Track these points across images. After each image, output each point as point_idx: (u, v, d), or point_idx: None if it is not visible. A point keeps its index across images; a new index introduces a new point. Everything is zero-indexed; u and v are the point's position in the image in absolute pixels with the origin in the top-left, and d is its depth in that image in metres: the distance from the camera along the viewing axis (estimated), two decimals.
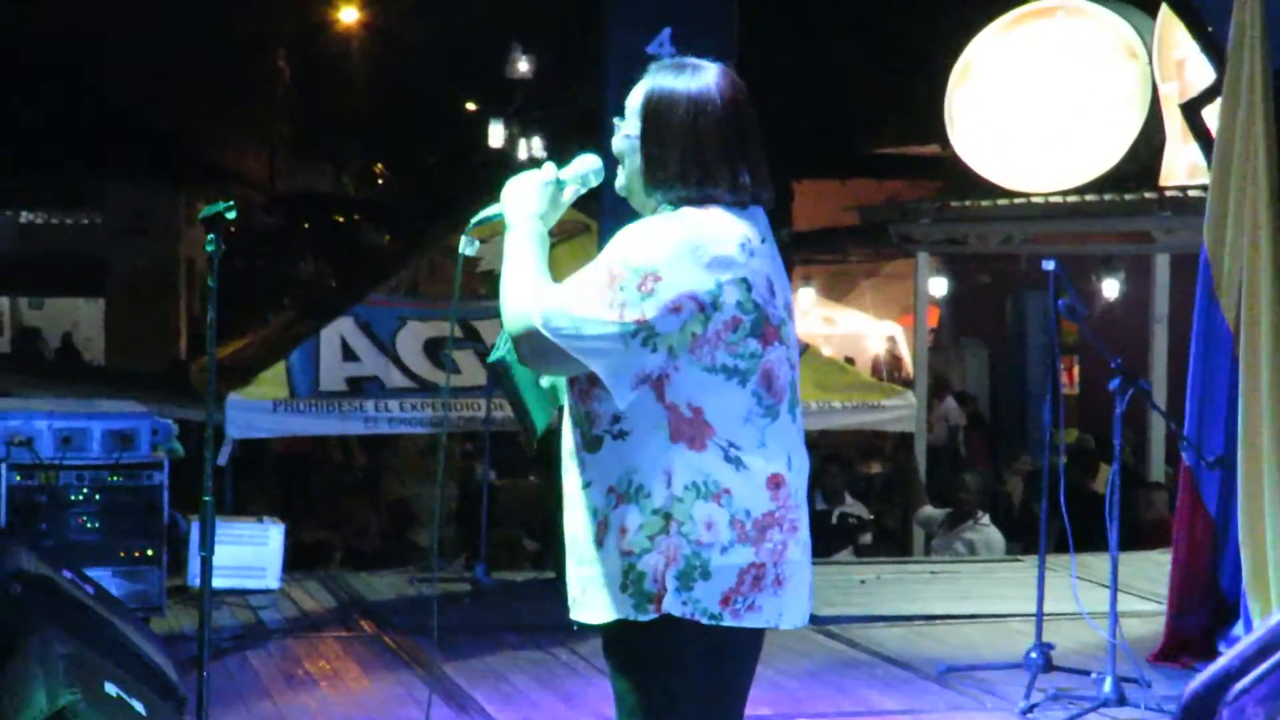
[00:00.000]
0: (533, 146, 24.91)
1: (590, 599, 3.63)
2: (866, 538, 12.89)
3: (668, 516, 3.53)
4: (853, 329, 23.12)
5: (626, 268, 3.51)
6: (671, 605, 3.51)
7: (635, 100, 3.69)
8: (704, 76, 3.67)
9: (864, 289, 23.24)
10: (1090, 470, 13.89)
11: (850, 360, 20.06)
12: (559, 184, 3.80)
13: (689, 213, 3.61)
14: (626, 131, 3.70)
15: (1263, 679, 2.18)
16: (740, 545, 3.53)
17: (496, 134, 24.54)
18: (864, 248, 19.64)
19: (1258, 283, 7.67)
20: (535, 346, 3.53)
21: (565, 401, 3.73)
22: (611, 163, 3.78)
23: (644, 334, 3.49)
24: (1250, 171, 7.73)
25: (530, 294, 3.56)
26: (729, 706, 3.69)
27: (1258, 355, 7.61)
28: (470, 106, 25.76)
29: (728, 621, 3.53)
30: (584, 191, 3.84)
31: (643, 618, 3.54)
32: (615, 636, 3.63)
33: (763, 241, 3.63)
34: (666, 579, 3.51)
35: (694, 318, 3.51)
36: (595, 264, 3.56)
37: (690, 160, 3.63)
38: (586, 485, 3.64)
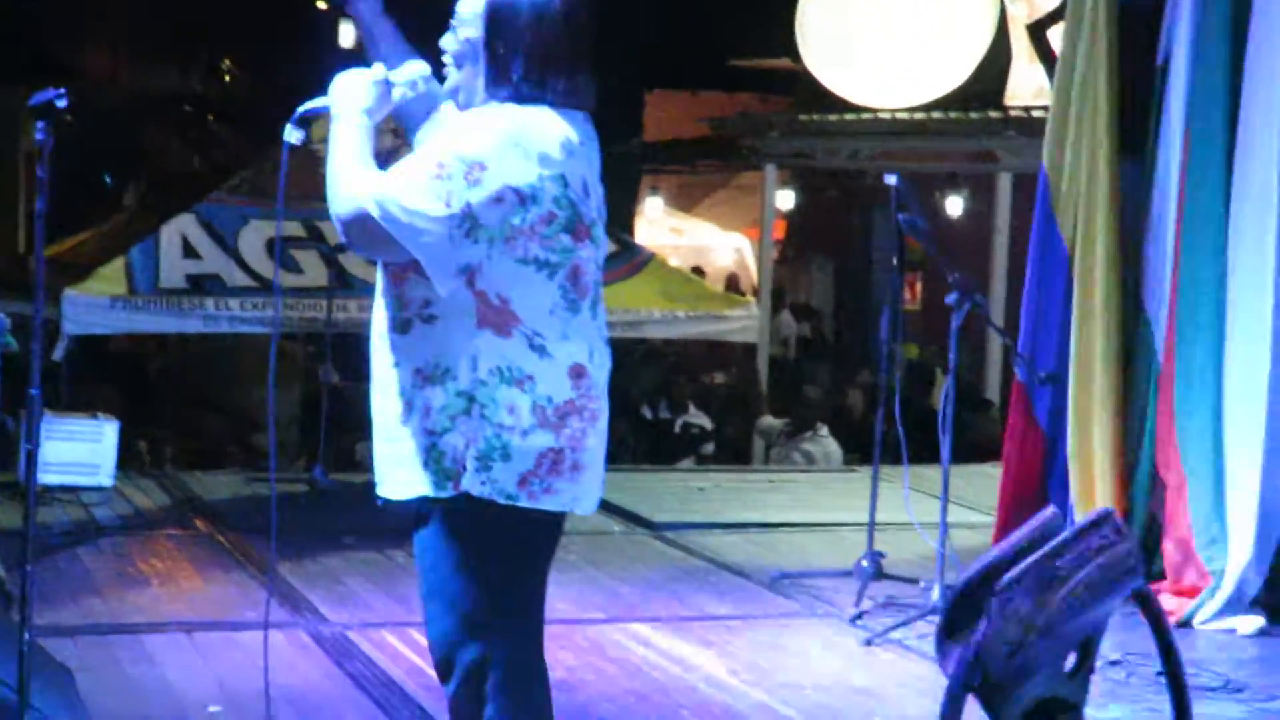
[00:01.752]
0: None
1: (394, 476, 3.77)
2: (709, 447, 13.00)
3: (471, 399, 3.66)
4: (700, 240, 23.20)
5: (454, 158, 3.61)
6: (470, 484, 3.66)
7: (474, 5, 3.79)
8: None
9: (712, 200, 23.31)
10: (929, 385, 14.10)
11: (698, 271, 20.15)
12: (388, 84, 3.86)
13: (517, 109, 3.72)
14: (465, 35, 3.79)
15: (1031, 569, 2.26)
16: (540, 430, 3.68)
17: (347, 34, 24.19)
18: (713, 159, 19.70)
19: (1095, 202, 7.78)
20: (365, 232, 3.63)
21: (377, 284, 3.82)
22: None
23: (468, 224, 3.60)
24: (1091, 95, 7.81)
25: (361, 181, 3.65)
26: (525, 588, 3.84)
27: (1092, 274, 7.73)
28: (321, 5, 25.40)
29: (523, 502, 3.69)
30: (411, 95, 3.91)
31: (441, 494, 3.69)
32: (417, 514, 3.76)
33: (582, 144, 3.75)
34: (466, 458, 3.65)
35: (514, 209, 3.63)
36: (424, 153, 3.69)
37: (530, 63, 3.74)
38: (395, 365, 3.75)
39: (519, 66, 3.73)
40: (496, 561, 3.74)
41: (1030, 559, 2.50)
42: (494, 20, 3.75)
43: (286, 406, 14.04)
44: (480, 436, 3.65)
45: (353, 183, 3.65)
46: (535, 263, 3.67)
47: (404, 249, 3.61)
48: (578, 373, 3.75)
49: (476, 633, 3.74)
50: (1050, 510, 2.44)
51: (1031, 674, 2.50)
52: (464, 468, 3.65)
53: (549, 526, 3.80)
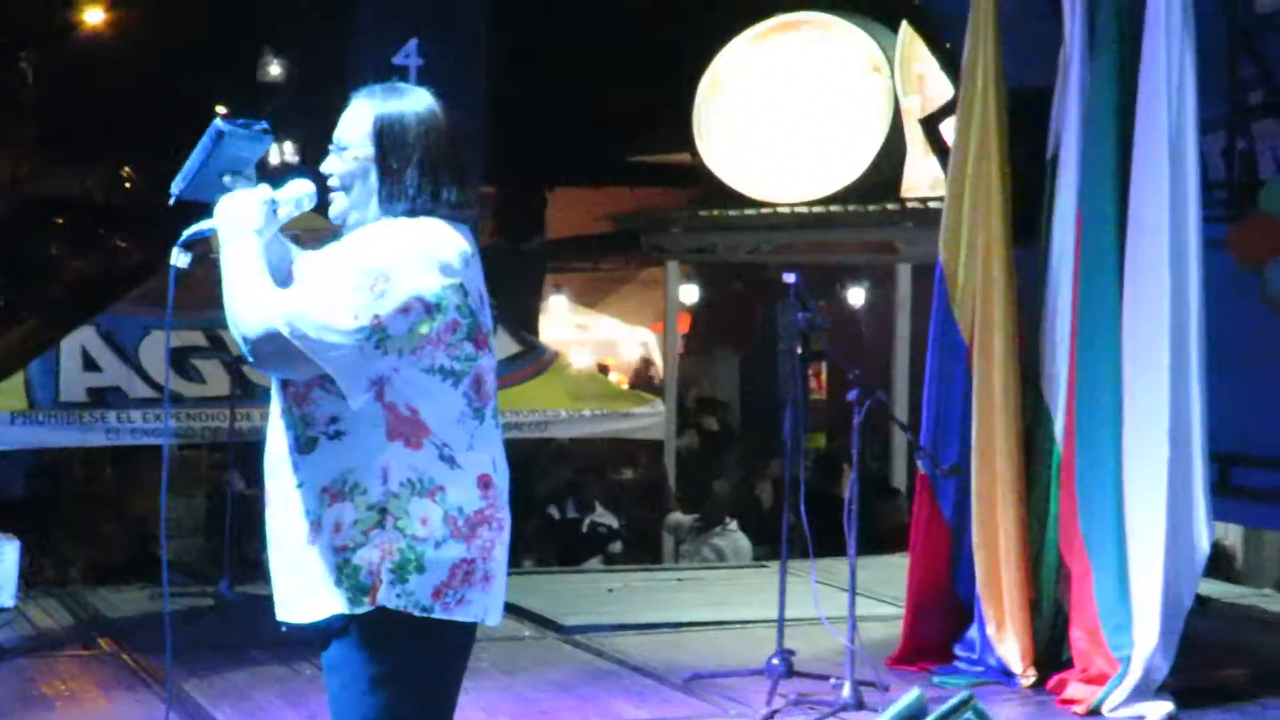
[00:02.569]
0: (285, 151, 24.61)
1: (302, 598, 3.74)
2: (616, 546, 12.95)
3: (383, 512, 3.66)
4: (606, 335, 23.24)
5: (359, 271, 3.63)
6: (386, 598, 3.65)
7: (361, 126, 3.82)
8: (423, 98, 3.87)
9: (617, 296, 23.36)
10: (836, 475, 14.12)
11: (604, 367, 20.17)
12: (274, 204, 3.87)
13: (413, 222, 3.75)
14: (354, 155, 3.81)
15: None
16: (453, 541, 3.70)
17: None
18: (617, 255, 19.77)
19: (991, 293, 7.87)
20: (276, 350, 3.63)
21: (274, 406, 3.81)
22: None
23: (378, 336, 3.61)
24: (984, 186, 7.92)
25: (267, 300, 3.65)
26: (440, 700, 3.83)
27: (991, 366, 7.81)
28: (221, 110, 25.40)
29: (439, 614, 3.69)
30: (296, 214, 3.93)
31: (357, 610, 3.67)
32: (327, 632, 3.73)
33: (473, 254, 3.81)
34: (381, 572, 3.65)
35: (421, 319, 3.66)
36: (329, 269, 3.69)
37: (423, 177, 3.78)
38: (299, 486, 3.73)
39: (414, 182, 3.76)
40: (412, 675, 3.73)
41: None
42: (384, 138, 3.79)
43: (192, 516, 13.92)
44: (395, 549, 3.65)
45: (259, 302, 3.65)
46: (441, 371, 3.69)
47: (315, 365, 3.61)
48: (485, 482, 3.76)
49: None
50: (915, 693, 2.44)
51: None
52: (379, 581, 3.64)
53: (462, 637, 3.81)
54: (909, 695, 2.91)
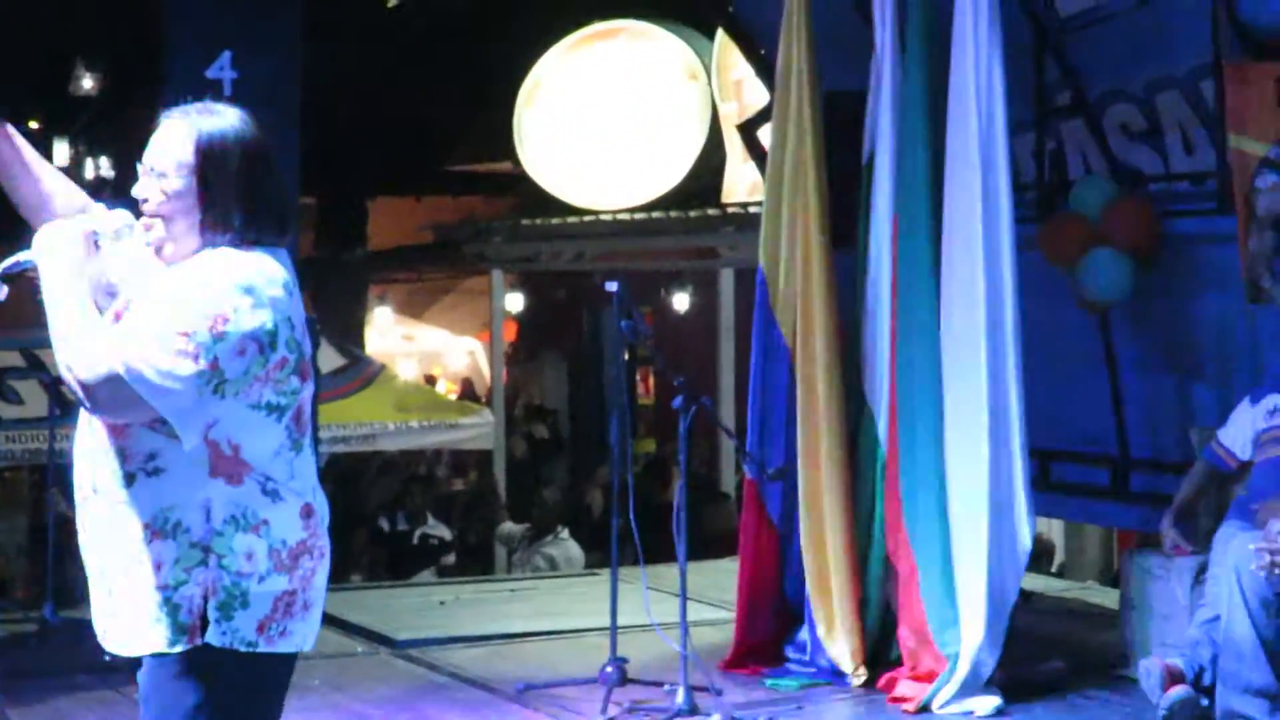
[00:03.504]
0: (100, 166, 24.22)
1: (120, 631, 3.66)
2: (449, 558, 12.93)
3: (206, 549, 3.58)
4: (432, 346, 23.15)
5: (195, 314, 3.51)
6: (211, 636, 3.58)
7: (178, 151, 3.67)
8: (240, 118, 3.73)
9: (442, 306, 23.28)
10: (664, 481, 14.21)
11: (431, 378, 20.10)
12: (95, 235, 3.75)
13: (238, 255, 3.63)
14: (172, 183, 3.66)
15: None
16: (276, 574, 3.63)
17: (61, 153, 23.79)
18: (440, 265, 19.71)
19: (811, 298, 7.94)
20: (113, 395, 3.49)
21: (81, 435, 3.71)
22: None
23: (216, 380, 3.51)
24: (801, 191, 8.00)
25: (102, 344, 3.52)
26: None
27: (814, 370, 7.89)
28: (34, 125, 24.93)
29: (263, 648, 3.63)
30: (116, 243, 3.80)
31: (176, 649, 3.59)
32: (148, 668, 3.66)
33: (294, 283, 3.71)
34: (208, 610, 3.58)
35: (255, 360, 3.56)
36: (162, 308, 3.54)
37: (246, 207, 3.66)
38: (114, 519, 3.63)
39: (237, 210, 3.64)
40: (232, 709, 3.67)
41: None
42: (206, 166, 3.65)
43: (13, 537, 13.65)
44: (219, 587, 3.57)
45: (91, 344, 3.52)
46: (267, 407, 3.62)
47: (152, 410, 3.50)
48: (308, 512, 3.71)
49: None
50: None
51: None
52: (201, 620, 3.57)
53: (284, 667, 3.76)
54: None
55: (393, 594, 10.68)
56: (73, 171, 23.13)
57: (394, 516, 13.28)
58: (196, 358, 3.48)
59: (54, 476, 10.64)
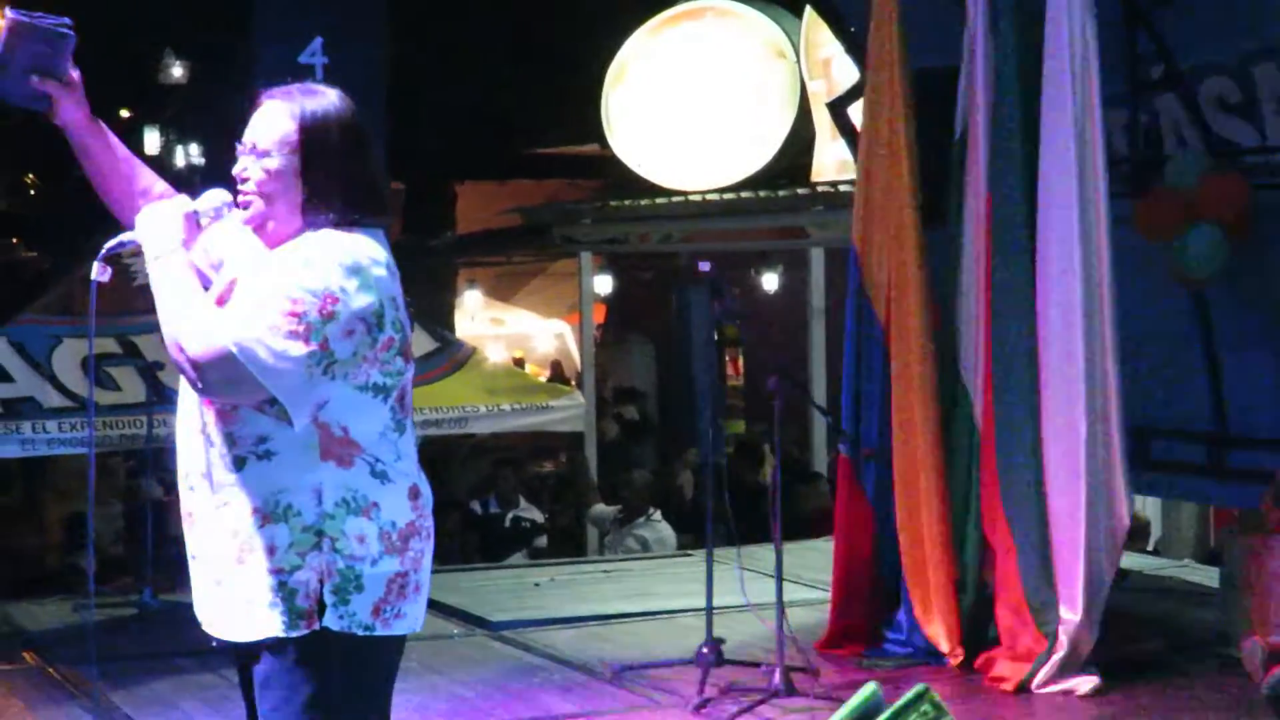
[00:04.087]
0: (190, 153, 24.42)
1: (233, 618, 3.65)
2: (541, 540, 12.95)
3: (319, 534, 3.58)
4: (521, 329, 23.20)
5: (304, 292, 3.51)
6: (329, 620, 3.58)
7: (279, 129, 3.67)
8: (341, 100, 3.73)
9: (530, 289, 23.32)
10: (756, 462, 14.17)
11: (520, 361, 20.14)
12: (195, 215, 3.75)
13: (342, 236, 3.63)
14: (273, 165, 3.67)
15: None
16: (388, 556, 3.63)
17: (152, 141, 24.00)
18: (528, 248, 19.72)
19: (905, 276, 7.91)
20: (225, 374, 3.49)
21: (189, 422, 3.69)
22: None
23: (326, 360, 3.52)
24: (892, 169, 7.96)
25: (214, 324, 3.52)
26: (375, 713, 3.78)
27: (908, 348, 7.85)
28: (124, 114, 25.13)
29: (379, 631, 3.63)
30: (217, 224, 3.80)
31: (294, 634, 3.58)
32: (262, 654, 3.64)
33: (394, 264, 3.71)
34: (324, 594, 3.57)
35: (363, 340, 3.57)
36: (269, 290, 3.53)
37: (349, 188, 3.67)
38: (224, 505, 3.62)
39: (338, 191, 3.64)
40: (350, 692, 3.66)
41: None
42: (307, 145, 3.65)
43: (110, 523, 13.78)
44: (334, 570, 3.57)
45: (204, 326, 3.52)
46: (373, 388, 3.61)
47: (263, 389, 3.50)
48: (415, 493, 3.71)
49: None
50: (872, 686, 2.44)
51: None
52: (319, 603, 3.57)
53: (397, 649, 3.77)
54: (864, 690, 2.89)
55: (487, 576, 10.72)
56: (163, 159, 23.36)
57: (485, 500, 13.32)
58: (307, 338, 3.49)
59: (150, 463, 10.76)
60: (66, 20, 3.74)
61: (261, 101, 3.74)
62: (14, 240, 27.19)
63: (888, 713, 2.49)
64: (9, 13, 3.69)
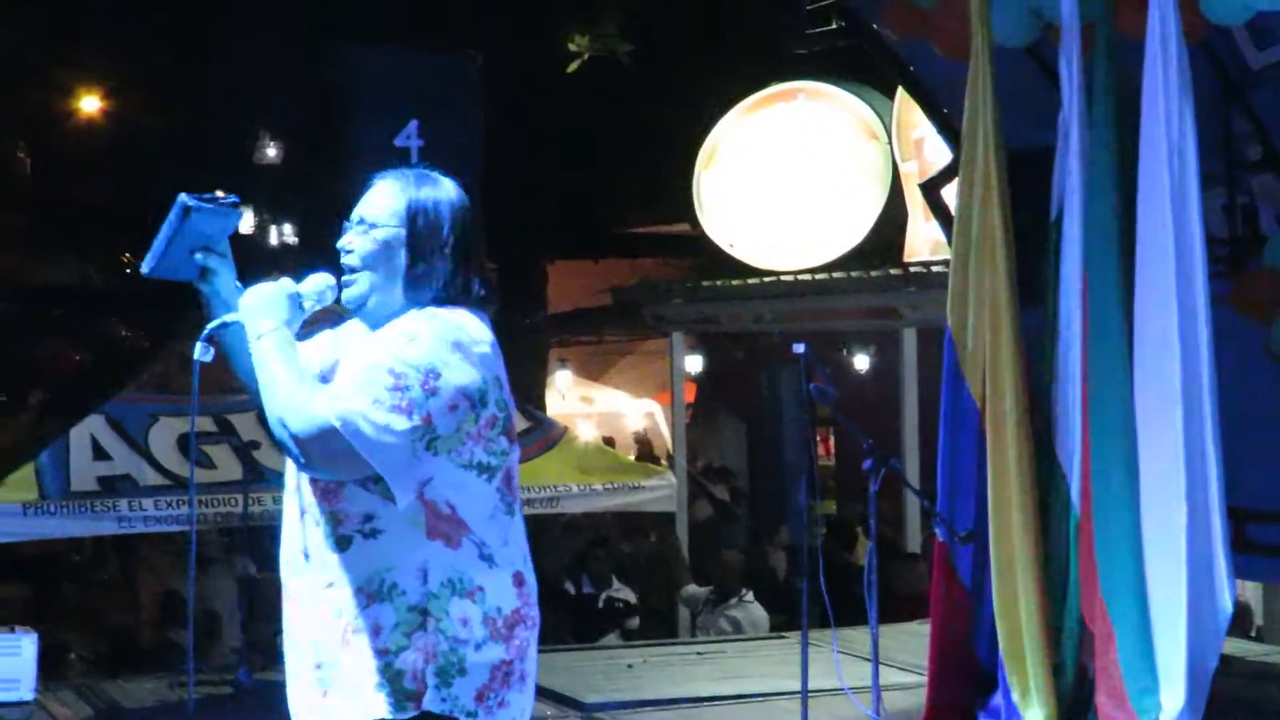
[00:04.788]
0: (284, 233, 24.68)
1: (335, 702, 3.61)
2: (634, 621, 12.91)
3: (424, 613, 3.55)
4: (611, 407, 23.22)
5: (408, 367, 3.52)
6: (431, 702, 3.54)
7: (391, 205, 3.72)
8: (452, 188, 3.79)
9: (620, 367, 23.36)
10: (849, 542, 14.09)
11: (609, 440, 20.14)
12: (299, 297, 3.77)
13: (446, 313, 3.66)
14: (382, 234, 3.70)
15: None
16: (492, 643, 3.60)
17: (246, 220, 24.27)
18: (619, 327, 19.79)
19: (1000, 356, 7.85)
20: (329, 449, 3.50)
21: (295, 502, 3.70)
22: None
23: (429, 435, 3.52)
24: (988, 250, 7.93)
25: (317, 400, 3.53)
26: None
27: (1003, 428, 7.80)
28: (219, 193, 25.46)
29: (481, 718, 3.58)
30: (319, 308, 3.82)
31: (401, 716, 3.55)
32: None
33: (498, 344, 3.72)
34: (426, 676, 3.53)
35: (467, 416, 3.57)
36: (372, 365, 3.55)
37: (454, 265, 3.70)
38: (329, 586, 3.61)
39: (443, 270, 3.68)
40: None
41: None
42: (417, 221, 3.70)
43: (204, 602, 13.85)
44: (438, 652, 3.54)
45: (307, 400, 3.53)
46: (478, 467, 3.61)
47: (366, 464, 3.50)
48: (520, 580, 3.69)
49: None
50: None
51: None
52: (423, 685, 3.54)
53: None
54: None
55: (580, 657, 10.69)
56: (256, 238, 23.60)
57: (578, 579, 13.31)
58: (410, 413, 3.49)
59: (245, 541, 10.84)
60: (235, 199, 3.79)
61: (375, 181, 3.80)
62: (111, 320, 27.49)
63: None
64: (182, 198, 3.73)
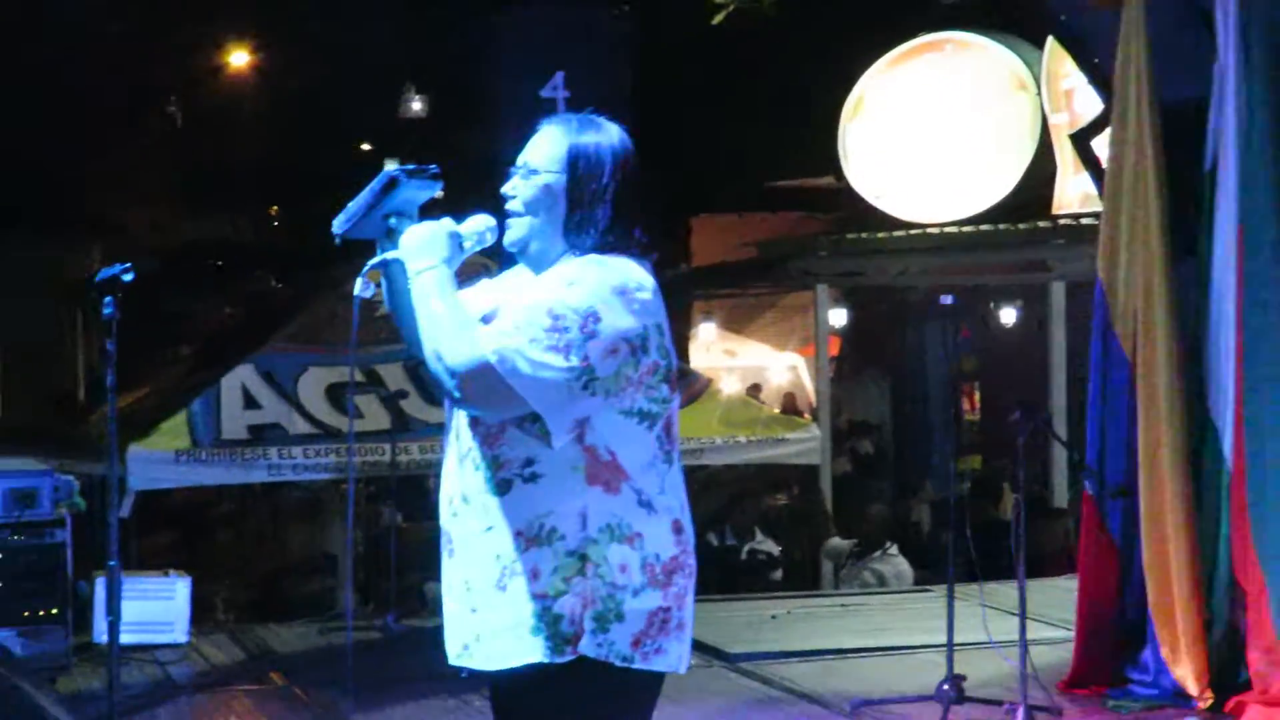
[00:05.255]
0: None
1: (492, 645, 3.61)
2: (778, 573, 12.92)
3: (584, 558, 3.54)
4: (755, 361, 23.17)
5: (567, 309, 3.51)
6: (587, 647, 3.53)
7: (552, 151, 3.71)
8: (615, 133, 3.75)
9: (764, 321, 23.29)
10: (995, 497, 13.99)
11: (754, 392, 20.12)
12: (459, 236, 3.76)
13: (609, 260, 3.64)
14: (544, 180, 3.70)
15: None
16: (651, 589, 3.58)
17: None
18: (763, 281, 19.73)
19: (1153, 311, 7.77)
20: (485, 385, 3.49)
21: (455, 447, 3.70)
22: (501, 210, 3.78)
23: (586, 377, 3.50)
24: (1140, 201, 7.83)
25: (476, 336, 3.54)
26: None
27: (1155, 383, 7.71)
28: (365, 147, 25.66)
29: (638, 665, 3.57)
30: (478, 249, 3.82)
31: (559, 660, 3.53)
32: (520, 681, 3.60)
33: (660, 292, 3.68)
34: (583, 621, 3.52)
35: (627, 361, 3.54)
36: (532, 306, 3.55)
37: (615, 212, 3.67)
38: (488, 530, 3.60)
39: (605, 216, 3.66)
40: None
41: None
42: (579, 167, 3.68)
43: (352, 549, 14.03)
44: (596, 597, 3.54)
45: (466, 336, 3.53)
46: (639, 414, 3.59)
47: (523, 402, 3.50)
48: (678, 528, 3.66)
49: None
50: None
51: None
52: (581, 630, 3.53)
53: (654, 688, 3.70)
54: None
55: (724, 608, 10.72)
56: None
57: (721, 532, 13.33)
58: (568, 353, 3.48)
59: (392, 491, 10.98)
60: (437, 169, 3.78)
61: (540, 127, 3.78)
62: (261, 273, 27.87)
63: None
64: (391, 169, 3.74)
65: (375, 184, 3.77)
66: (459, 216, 3.84)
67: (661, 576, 3.60)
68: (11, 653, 7.79)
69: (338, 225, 3.78)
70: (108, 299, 4.54)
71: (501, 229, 3.80)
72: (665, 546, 3.62)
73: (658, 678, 3.66)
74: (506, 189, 3.76)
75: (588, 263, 3.63)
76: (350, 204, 3.80)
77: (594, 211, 3.67)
